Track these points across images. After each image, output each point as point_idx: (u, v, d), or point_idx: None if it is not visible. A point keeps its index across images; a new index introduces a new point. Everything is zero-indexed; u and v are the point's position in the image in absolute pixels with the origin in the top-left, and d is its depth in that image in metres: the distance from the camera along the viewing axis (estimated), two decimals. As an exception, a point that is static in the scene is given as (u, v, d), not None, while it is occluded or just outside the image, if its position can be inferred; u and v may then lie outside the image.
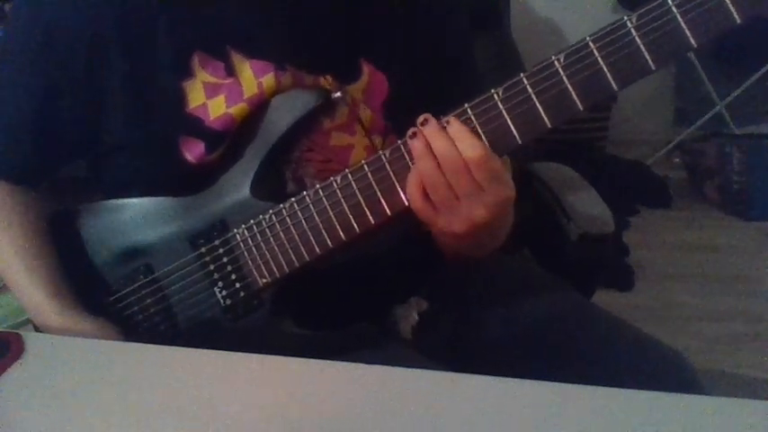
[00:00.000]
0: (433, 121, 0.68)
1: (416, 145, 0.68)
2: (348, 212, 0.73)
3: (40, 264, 0.83)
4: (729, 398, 0.59)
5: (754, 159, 2.52)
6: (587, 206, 1.30)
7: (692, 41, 0.61)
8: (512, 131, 0.67)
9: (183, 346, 0.80)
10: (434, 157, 0.68)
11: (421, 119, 0.69)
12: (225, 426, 0.60)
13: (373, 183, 0.72)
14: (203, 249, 0.79)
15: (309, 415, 0.60)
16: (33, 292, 0.82)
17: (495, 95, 0.67)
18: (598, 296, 1.25)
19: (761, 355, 1.82)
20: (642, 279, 2.16)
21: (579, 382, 0.60)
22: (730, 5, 0.59)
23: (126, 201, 0.82)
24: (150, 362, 0.70)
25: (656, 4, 0.61)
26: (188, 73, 0.77)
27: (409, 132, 0.69)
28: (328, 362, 0.66)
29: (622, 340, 0.82)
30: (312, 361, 0.66)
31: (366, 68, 0.81)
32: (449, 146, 0.67)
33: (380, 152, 0.71)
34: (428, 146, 0.68)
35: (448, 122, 0.68)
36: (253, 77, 0.77)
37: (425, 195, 0.69)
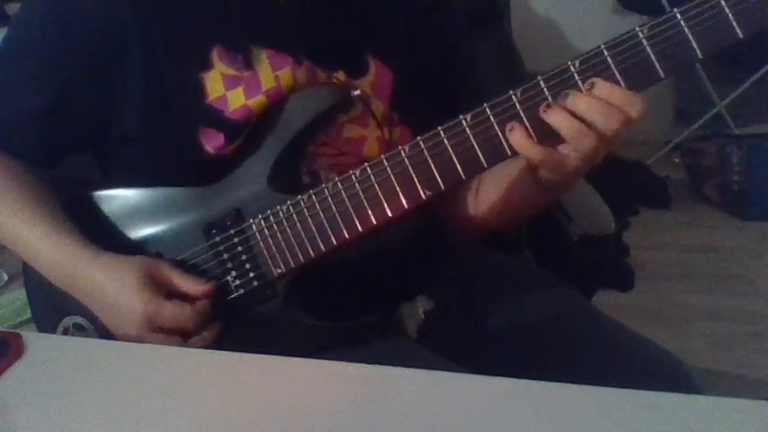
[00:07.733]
0: (573, 91, 0.68)
1: (555, 114, 0.68)
2: (366, 205, 0.74)
3: (64, 222, 0.81)
4: (729, 398, 0.59)
5: (754, 159, 2.51)
6: (587, 206, 1.30)
7: (699, 53, 0.66)
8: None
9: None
10: (577, 117, 0.67)
11: (562, 94, 0.68)
12: (225, 426, 0.60)
13: (392, 176, 0.73)
14: (217, 239, 0.79)
15: (311, 415, 0.60)
16: (62, 246, 0.78)
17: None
18: (598, 296, 1.25)
19: (761, 355, 1.83)
20: (642, 279, 2.16)
21: (577, 382, 0.60)
22: (734, 22, 0.63)
23: (138, 190, 0.82)
24: (151, 362, 0.70)
25: (665, 17, 0.66)
26: (207, 64, 0.78)
27: (542, 106, 0.68)
28: (330, 362, 0.66)
29: (618, 341, 0.83)
30: (314, 361, 0.66)
31: (372, 64, 0.83)
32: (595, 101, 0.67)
33: (400, 148, 0.73)
34: (569, 111, 0.67)
35: (593, 84, 0.67)
36: (270, 70, 0.78)
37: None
